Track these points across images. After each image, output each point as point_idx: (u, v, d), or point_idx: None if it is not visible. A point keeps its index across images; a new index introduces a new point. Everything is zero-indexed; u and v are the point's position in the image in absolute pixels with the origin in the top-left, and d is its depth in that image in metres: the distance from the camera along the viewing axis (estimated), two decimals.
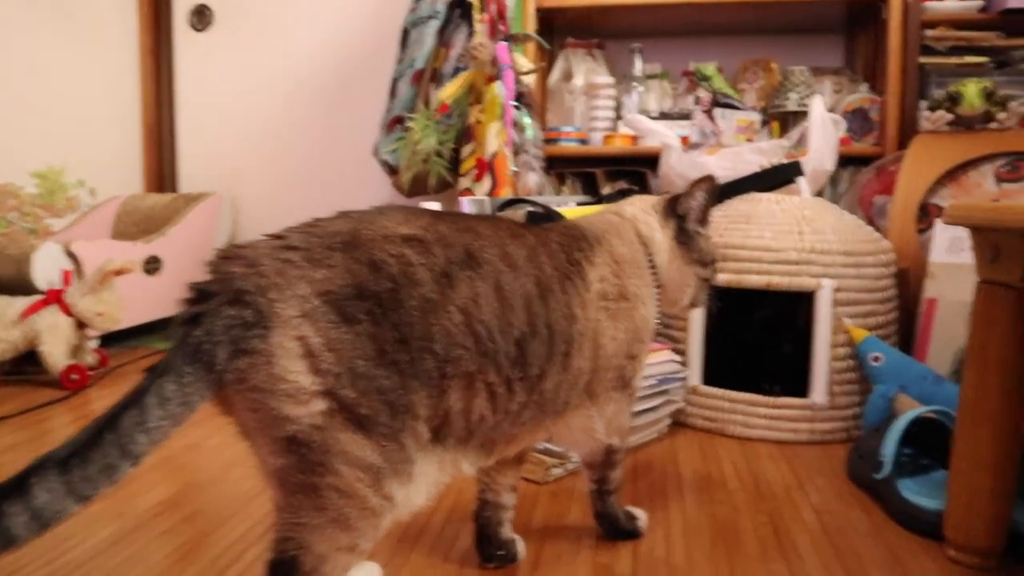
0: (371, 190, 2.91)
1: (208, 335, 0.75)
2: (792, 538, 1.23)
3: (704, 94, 2.31)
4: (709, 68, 2.58)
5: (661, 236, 1.18)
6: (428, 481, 0.89)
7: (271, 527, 0.90)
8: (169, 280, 2.76)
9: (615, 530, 1.21)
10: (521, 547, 1.15)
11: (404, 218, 0.89)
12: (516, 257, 0.95)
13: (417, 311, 0.83)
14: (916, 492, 1.30)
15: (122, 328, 2.49)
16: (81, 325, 2.21)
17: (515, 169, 2.16)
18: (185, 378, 0.74)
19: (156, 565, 1.15)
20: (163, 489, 1.42)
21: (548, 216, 1.59)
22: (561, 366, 0.99)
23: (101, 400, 2.03)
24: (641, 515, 1.24)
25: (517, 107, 2.16)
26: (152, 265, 2.72)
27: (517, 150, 2.20)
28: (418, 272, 0.84)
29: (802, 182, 1.89)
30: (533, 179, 2.19)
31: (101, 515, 1.29)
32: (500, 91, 2.13)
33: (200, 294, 0.78)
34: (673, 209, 1.20)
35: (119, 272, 2.23)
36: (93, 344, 2.37)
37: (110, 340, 2.54)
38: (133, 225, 2.99)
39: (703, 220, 1.20)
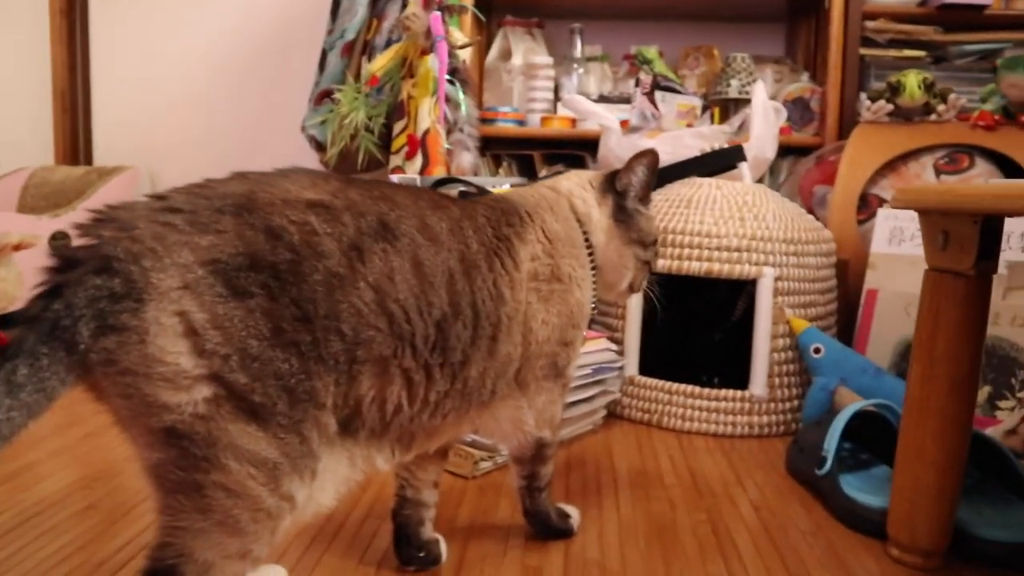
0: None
1: (68, 309, 0.63)
2: (731, 537, 1.16)
3: (645, 76, 2.24)
4: (651, 51, 2.52)
5: (598, 214, 1.09)
6: (336, 479, 0.79)
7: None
8: None
9: (546, 529, 1.13)
10: (443, 548, 1.06)
11: (310, 182, 0.79)
12: (437, 230, 0.86)
13: (322, 286, 0.73)
14: (858, 489, 1.25)
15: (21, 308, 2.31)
16: None
17: (448, 147, 2.05)
18: (41, 360, 0.63)
19: (46, 560, 1.03)
20: (57, 480, 1.29)
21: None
22: (487, 351, 0.90)
23: None
24: (574, 513, 1.16)
25: (451, 82, 2.05)
26: (60, 241, 2.52)
27: (450, 128, 2.09)
28: (323, 242, 0.74)
29: (744, 168, 1.84)
30: (467, 159, 2.09)
31: None
32: (433, 64, 2.02)
33: (65, 262, 0.66)
34: (612, 185, 1.11)
35: (18, 247, 2.05)
36: None
37: (9, 321, 2.35)
38: (42, 199, 2.78)
39: (644, 198, 1.12)
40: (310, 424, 0.72)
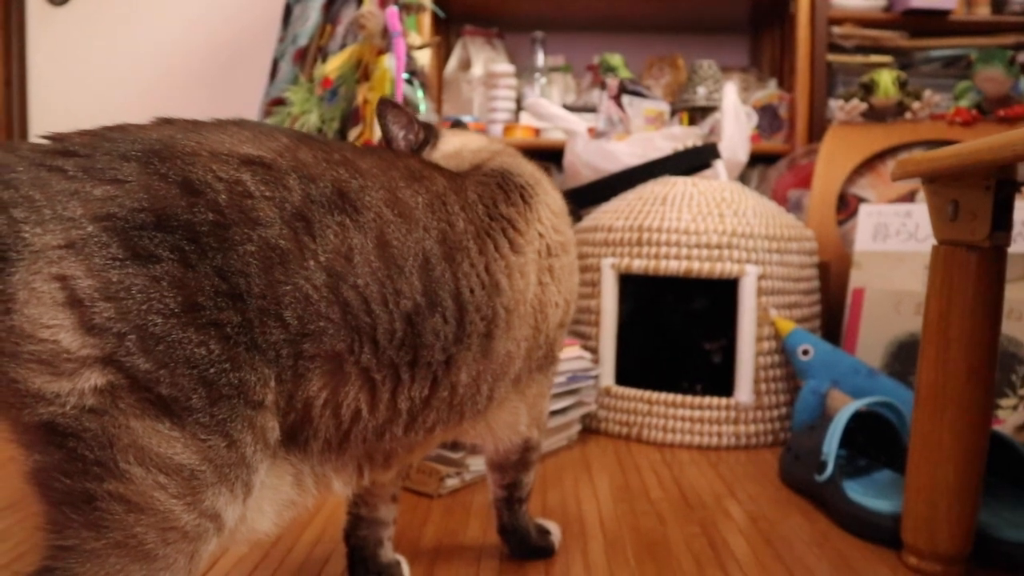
0: None
1: None
2: (731, 550, 1.04)
3: (611, 81, 2.16)
4: (615, 58, 2.44)
5: None
6: (277, 499, 0.64)
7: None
8: None
9: (524, 547, 0.99)
10: (406, 572, 0.92)
11: (252, 135, 0.65)
12: (411, 204, 0.71)
13: (256, 260, 0.59)
14: (863, 494, 1.14)
15: None
16: None
17: None
18: None
19: None
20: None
21: None
22: (480, 351, 0.75)
23: None
24: (554, 529, 1.03)
25: (409, 81, 1.94)
26: None
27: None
28: (260, 207, 0.60)
29: (719, 165, 1.75)
30: None
31: None
32: (390, 63, 1.91)
33: None
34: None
35: None
36: None
37: None
38: None
39: None
40: (240, 425, 0.58)
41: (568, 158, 2.05)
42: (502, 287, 0.78)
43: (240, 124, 0.67)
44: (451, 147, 0.96)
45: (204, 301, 0.56)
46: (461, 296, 0.73)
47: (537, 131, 2.39)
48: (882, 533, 1.07)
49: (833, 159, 1.93)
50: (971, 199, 0.96)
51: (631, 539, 1.07)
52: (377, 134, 1.97)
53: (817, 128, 2.29)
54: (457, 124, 1.26)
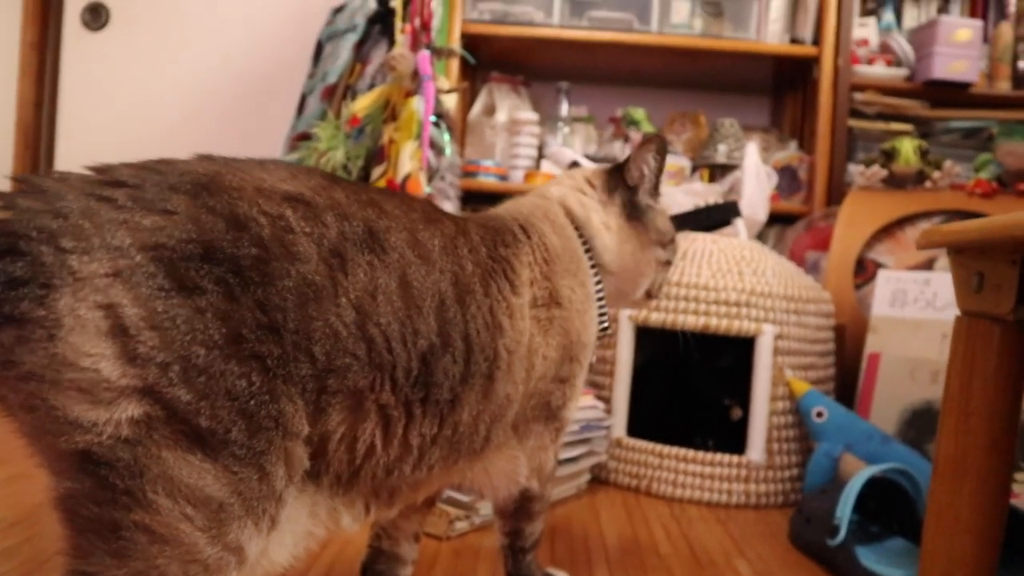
0: None
1: None
2: None
3: (636, 134, 2.19)
4: (638, 112, 2.48)
5: (603, 216, 0.96)
6: (296, 530, 0.64)
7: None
8: None
9: None
10: None
11: (289, 174, 0.67)
12: (429, 247, 0.72)
13: (293, 295, 0.59)
14: (876, 561, 1.13)
15: None
16: None
17: (429, 192, 1.95)
18: None
19: None
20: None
21: None
22: (482, 392, 0.76)
23: None
24: None
25: (436, 124, 1.97)
26: None
27: (432, 174, 2.00)
28: (300, 243, 0.61)
29: (739, 224, 1.76)
30: (448, 208, 1.99)
31: None
32: (418, 106, 1.94)
33: None
34: (618, 181, 0.98)
35: None
36: None
37: None
38: None
39: (655, 190, 0.99)
40: (275, 458, 0.58)
41: None
42: (504, 328, 0.78)
43: (276, 163, 0.69)
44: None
45: (247, 333, 0.56)
46: (469, 337, 0.74)
47: None
48: None
49: (852, 223, 1.94)
50: (997, 272, 0.96)
51: None
52: (400, 173, 1.99)
53: (836, 191, 2.30)
54: None
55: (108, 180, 0.58)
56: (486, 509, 1.23)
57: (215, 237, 0.57)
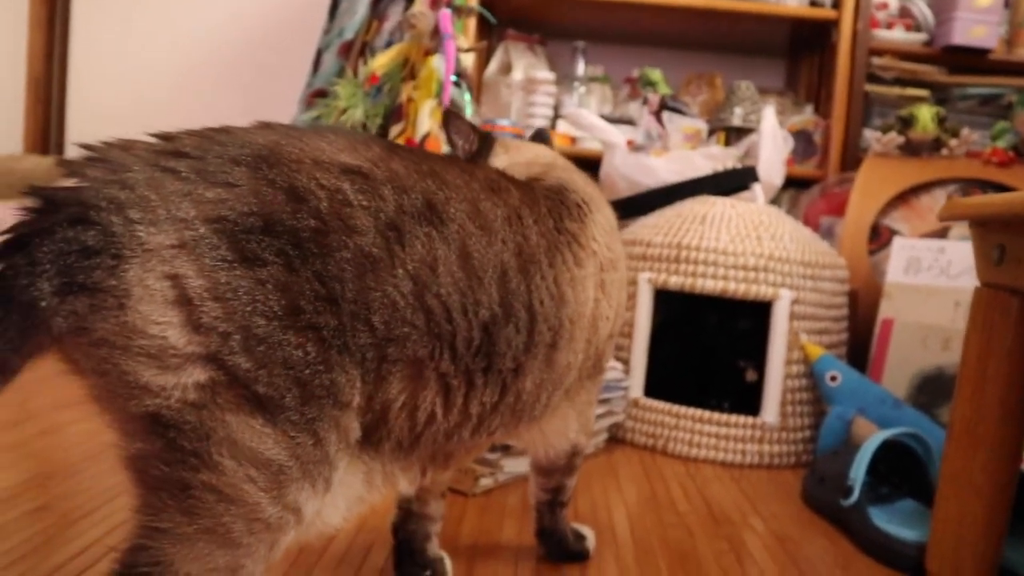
0: None
1: (30, 264, 0.51)
2: (759, 567, 1.07)
3: (653, 96, 2.19)
4: (655, 73, 2.47)
5: None
6: (349, 496, 0.67)
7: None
8: None
9: (561, 550, 1.02)
10: (449, 567, 0.95)
11: (348, 144, 0.67)
12: (491, 217, 0.73)
13: (351, 266, 0.61)
14: (888, 521, 1.17)
15: None
16: None
17: (448, 151, 1.96)
18: None
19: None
20: (6, 478, 1.15)
21: None
22: (544, 361, 0.78)
23: None
24: (589, 534, 1.06)
25: (457, 84, 1.97)
26: None
27: None
28: (357, 216, 0.62)
29: (757, 188, 1.78)
30: None
31: None
32: (438, 65, 1.94)
33: (40, 206, 0.54)
34: None
35: None
36: None
37: None
38: (6, 187, 2.63)
39: None
40: (327, 425, 0.60)
41: (605, 169, 2.07)
42: (567, 299, 0.81)
43: (336, 132, 0.69)
44: (503, 161, 0.99)
45: (304, 305, 0.58)
46: (532, 307, 0.75)
47: (573, 139, 2.42)
48: (906, 561, 1.10)
49: (868, 190, 1.95)
50: (1018, 245, 0.99)
51: (661, 550, 1.10)
52: (419, 132, 2.00)
53: (851, 156, 2.31)
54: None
55: (171, 150, 0.59)
56: (510, 466, 1.27)
57: (275, 210, 0.58)
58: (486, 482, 1.25)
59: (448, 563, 0.95)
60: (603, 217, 0.94)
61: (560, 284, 0.80)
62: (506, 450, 1.26)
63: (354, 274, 0.61)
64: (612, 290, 0.91)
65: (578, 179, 0.96)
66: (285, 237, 0.58)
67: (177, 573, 0.57)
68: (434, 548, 0.94)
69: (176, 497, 0.56)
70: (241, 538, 0.58)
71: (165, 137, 0.62)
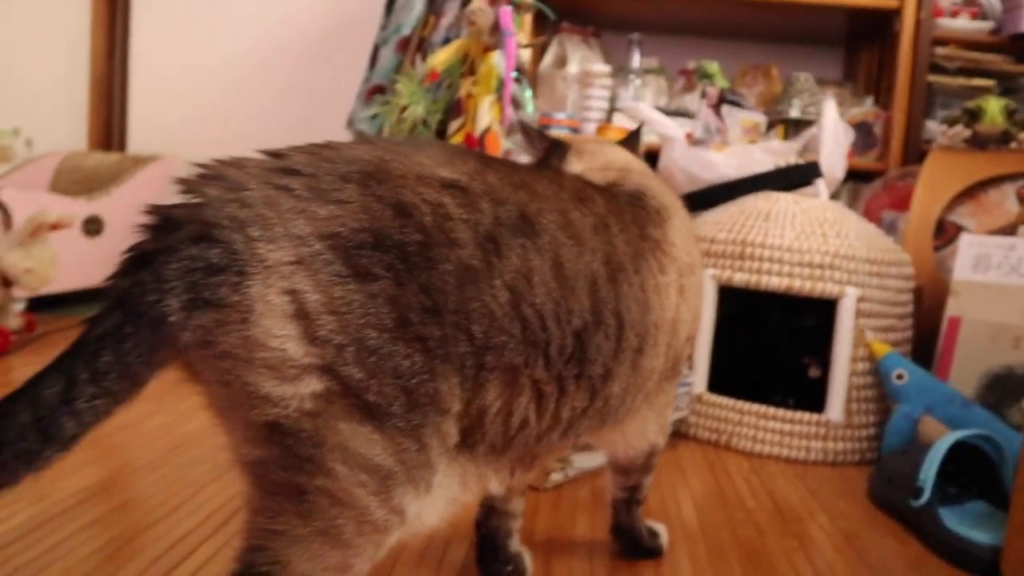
0: None
1: (157, 281, 0.55)
2: (830, 566, 1.08)
3: (711, 89, 2.18)
4: (712, 66, 2.46)
5: None
6: (446, 497, 0.70)
7: (241, 530, 0.71)
8: (110, 245, 2.50)
9: (635, 547, 1.05)
10: (529, 561, 0.98)
11: (446, 158, 0.69)
12: (580, 227, 0.75)
13: (453, 278, 0.63)
14: (959, 523, 1.17)
15: (54, 292, 2.24)
16: (6, 283, 1.95)
17: (508, 147, 1.98)
18: (125, 342, 0.54)
19: (83, 560, 0.94)
20: (91, 472, 1.20)
21: None
22: (631, 366, 0.80)
23: (24, 369, 1.78)
24: (662, 531, 1.08)
25: (517, 80, 1.99)
26: (92, 226, 2.46)
27: (511, 128, 2.02)
28: (458, 229, 0.65)
29: (820, 184, 1.77)
30: (525, 162, 2.02)
31: (17, 496, 1.07)
32: (498, 61, 1.96)
33: (161, 223, 0.58)
34: None
35: (54, 226, 1.98)
36: (19, 306, 2.10)
37: (39, 304, 2.27)
38: (74, 184, 2.71)
39: None
40: (430, 431, 0.63)
41: (663, 163, 2.08)
42: (652, 306, 0.83)
43: (433, 146, 0.71)
44: (577, 167, 1.00)
45: (412, 316, 0.61)
46: (621, 315, 0.78)
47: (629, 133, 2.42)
48: (979, 564, 1.10)
49: (933, 184, 1.93)
50: None
51: (732, 546, 1.11)
52: (479, 127, 2.02)
53: (912, 149, 2.28)
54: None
55: (283, 168, 0.62)
56: (579, 462, 1.30)
57: (384, 225, 0.61)
58: (556, 477, 1.28)
59: (528, 558, 0.98)
60: (680, 222, 0.95)
61: (646, 291, 0.82)
62: (578, 447, 1.28)
63: (455, 285, 0.64)
64: (690, 294, 0.93)
65: (655, 184, 0.97)
66: (393, 252, 0.61)
67: (293, 572, 0.60)
68: (515, 543, 0.97)
69: (293, 501, 0.60)
70: (352, 539, 0.61)
71: (274, 154, 0.64)
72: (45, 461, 0.54)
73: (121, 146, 3.02)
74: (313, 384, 0.58)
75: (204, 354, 0.57)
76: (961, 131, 1.97)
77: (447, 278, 0.63)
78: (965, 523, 1.18)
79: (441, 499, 0.70)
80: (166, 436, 1.38)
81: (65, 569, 0.91)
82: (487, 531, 0.96)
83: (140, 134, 3.03)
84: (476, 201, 0.68)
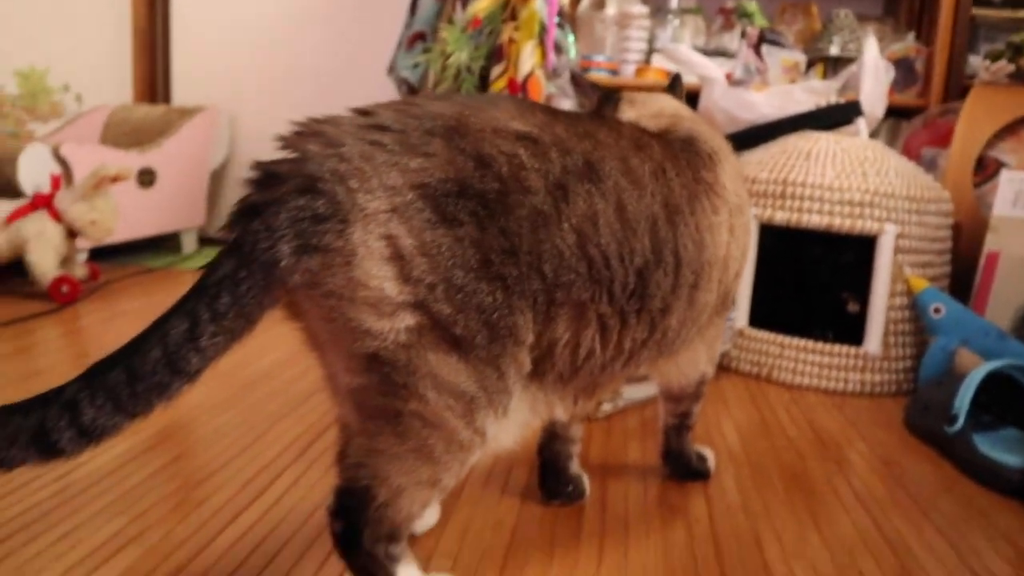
0: None
1: (268, 229, 0.62)
2: (868, 488, 1.15)
3: (751, 29, 2.18)
4: (751, 5, 2.45)
5: None
6: (519, 421, 0.78)
7: (339, 449, 0.80)
8: (163, 195, 2.59)
9: (685, 470, 1.12)
10: (587, 483, 1.06)
11: (517, 111, 0.75)
12: (640, 172, 0.82)
13: (527, 223, 0.70)
14: (992, 448, 1.23)
15: (113, 243, 2.34)
16: (71, 234, 2.06)
17: (551, 92, 2.02)
18: (241, 286, 0.62)
19: (167, 497, 1.03)
20: (166, 414, 1.26)
21: None
22: (687, 301, 0.87)
23: (91, 315, 1.88)
24: (710, 456, 1.15)
25: (560, 25, 2.01)
26: (146, 177, 2.55)
27: (553, 73, 2.06)
28: (530, 178, 0.71)
29: (861, 123, 1.79)
30: (567, 106, 2.06)
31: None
32: (540, 7, 1.98)
33: (266, 176, 0.65)
34: None
35: (115, 179, 2.06)
36: (83, 256, 2.21)
37: (99, 254, 2.38)
38: (123, 136, 2.80)
39: None
40: (508, 360, 0.70)
41: (703, 104, 2.10)
42: (706, 244, 0.89)
43: (503, 99, 0.78)
44: (630, 115, 1.05)
45: (493, 257, 0.68)
46: (678, 253, 0.84)
47: (669, 73, 2.43)
48: (1010, 485, 1.16)
49: (975, 120, 1.94)
50: None
51: (776, 471, 1.19)
52: (521, 72, 2.06)
53: (954, 85, 2.27)
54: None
55: (374, 124, 0.68)
56: (628, 393, 1.37)
57: (467, 175, 0.68)
58: (607, 407, 1.36)
59: (586, 480, 1.06)
60: (730, 165, 1.00)
61: (700, 230, 0.88)
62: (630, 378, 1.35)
63: (529, 229, 0.71)
64: (739, 233, 0.98)
65: (705, 129, 1.02)
66: (476, 199, 0.67)
67: (391, 485, 0.69)
68: (575, 466, 1.05)
69: (390, 423, 0.68)
70: (441, 456, 0.70)
71: (364, 112, 0.71)
72: (175, 392, 0.62)
73: (166, 98, 3.09)
74: (407, 319, 0.65)
75: (311, 294, 0.65)
76: (1004, 66, 1.97)
77: (522, 222, 0.70)
78: (997, 448, 1.23)
79: (515, 423, 0.77)
80: (239, 374, 1.48)
81: (151, 504, 0.99)
82: (549, 455, 1.04)
83: (183, 86, 3.09)
84: (546, 151, 0.74)
